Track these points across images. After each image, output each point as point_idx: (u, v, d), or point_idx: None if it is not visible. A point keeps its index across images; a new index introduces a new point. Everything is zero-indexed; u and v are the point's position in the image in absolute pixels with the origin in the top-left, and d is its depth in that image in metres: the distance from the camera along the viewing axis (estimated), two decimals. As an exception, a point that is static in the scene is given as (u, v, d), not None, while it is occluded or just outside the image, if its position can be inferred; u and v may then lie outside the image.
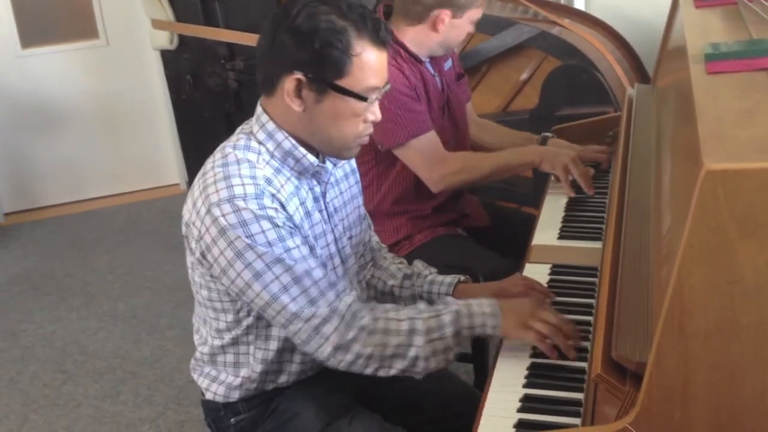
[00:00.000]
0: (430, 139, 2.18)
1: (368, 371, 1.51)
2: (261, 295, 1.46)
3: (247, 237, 1.43)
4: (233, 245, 1.44)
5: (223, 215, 1.43)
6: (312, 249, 1.53)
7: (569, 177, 2.16)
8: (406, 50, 2.21)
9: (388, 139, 2.15)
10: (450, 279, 1.77)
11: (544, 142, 2.44)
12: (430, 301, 1.75)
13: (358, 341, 1.48)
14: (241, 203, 1.43)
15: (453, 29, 2.19)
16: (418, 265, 1.84)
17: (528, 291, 1.69)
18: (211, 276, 1.54)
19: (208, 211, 1.45)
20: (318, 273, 1.48)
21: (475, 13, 2.20)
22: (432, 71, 2.28)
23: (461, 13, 2.17)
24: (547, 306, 1.57)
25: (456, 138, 2.36)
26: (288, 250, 1.45)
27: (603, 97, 2.92)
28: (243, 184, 1.45)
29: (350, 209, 1.71)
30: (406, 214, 2.25)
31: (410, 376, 1.52)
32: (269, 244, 1.44)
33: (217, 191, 1.45)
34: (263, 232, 1.44)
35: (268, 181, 1.48)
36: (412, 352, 1.48)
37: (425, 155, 2.17)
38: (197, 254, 1.52)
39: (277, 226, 1.45)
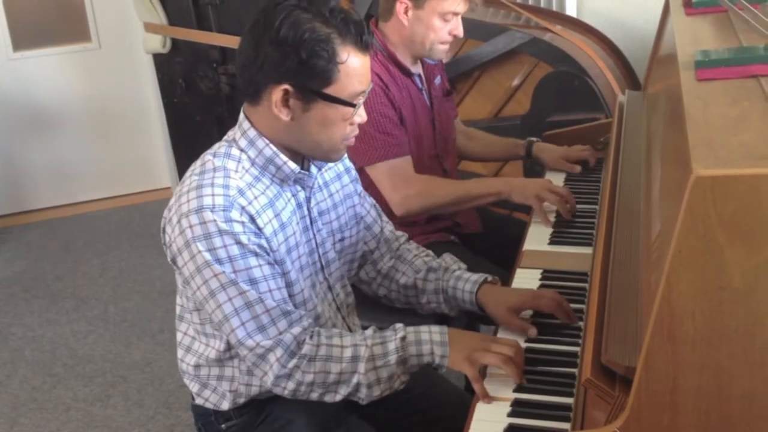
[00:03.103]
0: (400, 164, 2.15)
1: (314, 397, 1.51)
2: (215, 312, 1.48)
3: (208, 251, 1.44)
4: (195, 259, 1.46)
5: (190, 227, 1.45)
6: (282, 264, 1.53)
7: (544, 205, 2.10)
8: (396, 63, 2.20)
9: (359, 157, 2.13)
10: (476, 277, 1.72)
11: (529, 146, 2.43)
12: (454, 298, 1.73)
13: (299, 369, 1.48)
14: (208, 214, 1.44)
15: (419, 22, 2.14)
16: (447, 258, 1.81)
17: (557, 308, 1.61)
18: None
19: (178, 221, 1.47)
20: (276, 297, 1.48)
21: (439, 5, 2.11)
22: (420, 85, 2.27)
23: (421, 3, 2.12)
24: (501, 340, 1.52)
25: (444, 151, 2.36)
26: (249, 268, 1.46)
27: (594, 104, 2.93)
28: (213, 195, 1.45)
29: (342, 210, 1.71)
30: (398, 223, 2.24)
31: (355, 400, 1.52)
32: (230, 259, 1.44)
33: (188, 201, 1.46)
34: (225, 247, 1.44)
35: (241, 192, 1.48)
36: (354, 379, 1.48)
37: (391, 178, 2.14)
38: (169, 260, 1.55)
39: (240, 242, 1.45)
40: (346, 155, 1.71)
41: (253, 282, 1.46)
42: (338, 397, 1.51)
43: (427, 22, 2.14)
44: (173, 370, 3.05)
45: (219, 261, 1.44)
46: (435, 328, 1.53)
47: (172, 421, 2.81)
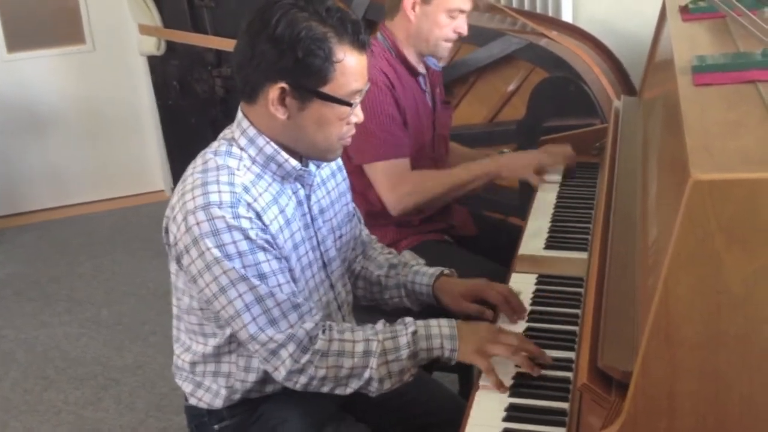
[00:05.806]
0: (398, 164, 2.16)
1: (324, 390, 1.51)
2: (226, 309, 1.47)
3: (217, 248, 1.43)
4: (203, 256, 1.44)
5: (197, 223, 1.43)
6: (288, 260, 1.53)
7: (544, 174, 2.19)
8: (405, 62, 2.21)
9: (359, 155, 2.14)
10: (432, 270, 1.76)
11: None
12: (413, 291, 1.76)
13: (312, 364, 1.48)
14: (216, 211, 1.43)
15: (425, 18, 2.17)
16: (406, 255, 1.86)
17: (503, 302, 1.67)
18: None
19: (184, 219, 1.45)
20: (285, 291, 1.48)
21: (446, 1, 2.15)
22: (423, 87, 2.28)
23: None
24: (507, 331, 1.54)
25: (440, 156, 2.38)
26: (258, 263, 1.45)
27: (590, 109, 2.93)
28: (219, 192, 1.45)
29: (338, 207, 1.71)
30: (393, 224, 2.25)
31: (365, 393, 1.52)
32: (239, 255, 1.44)
33: (193, 198, 1.45)
34: (234, 242, 1.43)
35: (246, 189, 1.48)
36: (366, 374, 1.48)
37: (389, 178, 2.14)
38: (173, 259, 1.53)
39: (249, 238, 1.44)
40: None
41: (262, 277, 1.46)
42: (349, 390, 1.51)
43: (434, 18, 2.17)
44: (165, 373, 3.04)
45: (228, 257, 1.43)
46: (444, 322, 1.53)
47: (164, 423, 2.80)
